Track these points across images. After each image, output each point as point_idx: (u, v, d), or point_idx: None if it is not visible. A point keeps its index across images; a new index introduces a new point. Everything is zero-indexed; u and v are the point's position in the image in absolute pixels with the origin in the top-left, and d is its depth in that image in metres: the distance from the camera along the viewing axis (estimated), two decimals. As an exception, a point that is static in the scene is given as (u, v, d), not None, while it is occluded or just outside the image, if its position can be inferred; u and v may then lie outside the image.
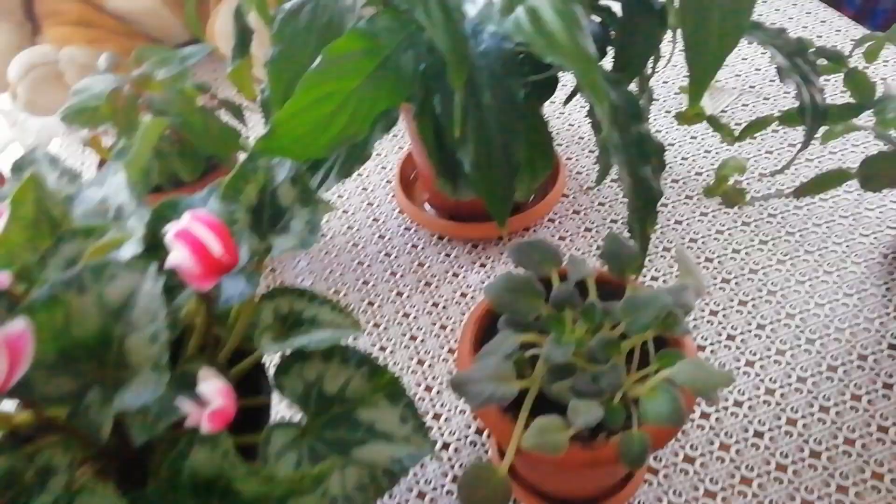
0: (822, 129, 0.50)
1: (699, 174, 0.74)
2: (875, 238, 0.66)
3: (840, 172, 0.44)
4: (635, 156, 0.43)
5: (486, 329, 0.48)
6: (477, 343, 0.46)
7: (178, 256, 0.32)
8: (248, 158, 0.40)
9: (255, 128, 0.84)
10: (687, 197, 0.72)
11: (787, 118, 0.55)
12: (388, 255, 0.72)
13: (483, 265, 0.69)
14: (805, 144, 0.49)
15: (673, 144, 0.78)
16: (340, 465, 0.37)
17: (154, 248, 0.37)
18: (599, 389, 0.40)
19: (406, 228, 0.74)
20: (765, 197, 0.49)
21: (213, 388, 0.33)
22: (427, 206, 0.75)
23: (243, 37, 0.65)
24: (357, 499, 0.36)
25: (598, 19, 0.55)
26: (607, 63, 0.52)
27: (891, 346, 0.57)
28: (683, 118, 0.53)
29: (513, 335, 0.42)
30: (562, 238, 0.70)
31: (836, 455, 0.51)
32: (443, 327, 0.64)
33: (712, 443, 0.53)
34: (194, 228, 0.32)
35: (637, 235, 0.44)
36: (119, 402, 0.31)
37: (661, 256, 0.66)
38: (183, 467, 0.32)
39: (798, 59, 0.46)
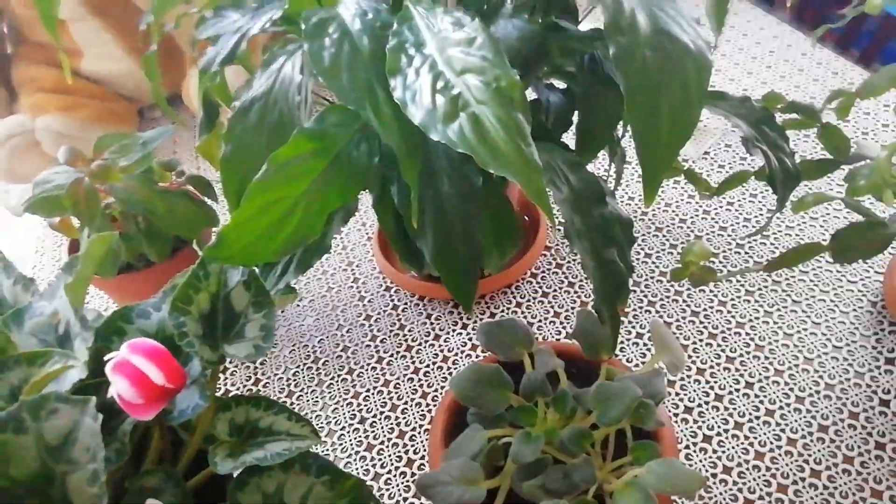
0: (795, 197, 0.49)
1: (674, 246, 0.72)
2: (863, 285, 0.64)
3: (813, 246, 0.42)
4: (599, 240, 0.42)
5: (456, 417, 0.46)
6: (447, 434, 0.45)
7: (119, 388, 0.31)
8: (198, 266, 0.39)
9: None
10: (661, 274, 0.69)
11: (764, 174, 0.54)
12: (368, 317, 0.71)
13: (465, 325, 0.68)
14: (778, 208, 0.47)
15: (647, 213, 0.76)
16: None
17: (99, 371, 0.36)
18: (572, 485, 0.39)
19: (386, 289, 0.73)
20: (738, 272, 0.48)
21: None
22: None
23: (210, 111, 0.65)
24: None
25: (562, 85, 0.54)
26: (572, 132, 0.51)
27: (882, 402, 0.56)
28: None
29: (480, 431, 0.41)
30: (545, 294, 0.69)
31: (829, 525, 0.50)
32: (424, 395, 0.63)
33: (700, 515, 0.51)
34: (133, 360, 0.32)
35: (606, 319, 0.43)
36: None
37: (636, 339, 0.65)
38: None
39: (764, 126, 0.45)
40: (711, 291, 0.65)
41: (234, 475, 0.37)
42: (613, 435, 0.42)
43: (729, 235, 0.70)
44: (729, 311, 0.64)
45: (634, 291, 0.67)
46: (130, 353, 0.31)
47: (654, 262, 0.70)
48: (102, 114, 0.94)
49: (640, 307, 0.66)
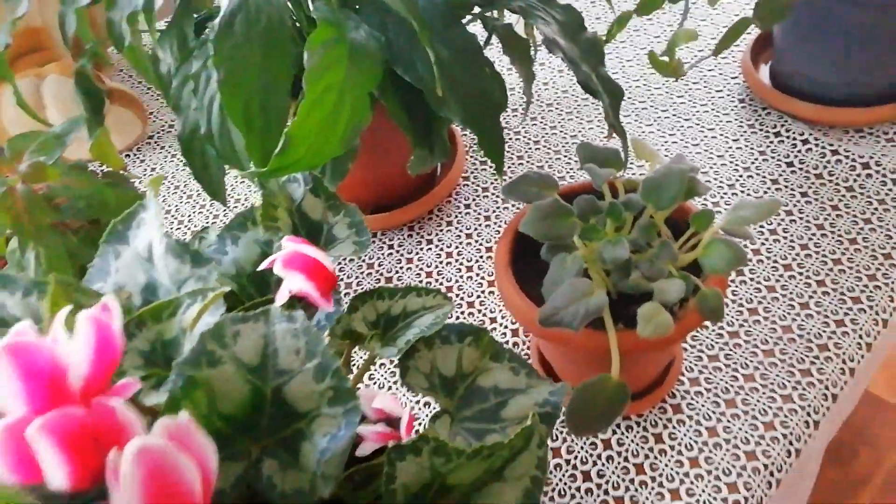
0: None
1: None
2: (728, 90, 0.76)
3: (743, 21, 0.50)
4: (594, 60, 0.46)
5: (514, 267, 0.48)
6: (519, 282, 0.47)
7: (297, 282, 0.29)
8: (262, 184, 0.37)
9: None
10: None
11: (645, 7, 0.62)
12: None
13: (429, 241, 0.69)
14: (686, 6, 0.55)
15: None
16: (501, 429, 0.36)
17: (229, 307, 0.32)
18: (660, 268, 0.43)
19: (334, 240, 0.71)
20: (693, 64, 0.56)
21: (390, 400, 0.30)
22: (343, 212, 0.72)
23: (94, 102, 0.59)
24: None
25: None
26: None
27: (788, 165, 0.68)
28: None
29: (569, 256, 0.43)
30: (467, 206, 0.72)
31: (802, 260, 0.60)
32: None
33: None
34: (303, 250, 0.29)
35: (617, 128, 0.47)
36: (314, 453, 0.28)
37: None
38: (396, 490, 0.29)
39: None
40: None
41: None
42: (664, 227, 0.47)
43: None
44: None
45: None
46: (298, 245, 0.29)
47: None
48: None
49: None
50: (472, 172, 0.74)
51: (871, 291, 0.57)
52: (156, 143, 0.87)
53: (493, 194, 0.72)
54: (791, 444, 0.50)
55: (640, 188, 0.45)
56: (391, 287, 0.38)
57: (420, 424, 0.54)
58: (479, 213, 0.70)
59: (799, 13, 0.66)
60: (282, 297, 0.29)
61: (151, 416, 0.27)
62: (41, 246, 0.47)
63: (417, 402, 0.56)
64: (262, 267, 0.31)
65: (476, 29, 0.62)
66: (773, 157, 0.69)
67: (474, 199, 0.72)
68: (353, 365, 0.49)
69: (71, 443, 0.22)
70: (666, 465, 0.50)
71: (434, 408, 0.55)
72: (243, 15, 0.41)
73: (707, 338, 0.57)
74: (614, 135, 0.51)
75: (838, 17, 0.61)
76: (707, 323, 0.57)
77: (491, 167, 0.74)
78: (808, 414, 0.52)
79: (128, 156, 0.86)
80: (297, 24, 0.47)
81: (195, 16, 0.51)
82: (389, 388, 0.57)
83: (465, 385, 0.38)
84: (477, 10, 0.49)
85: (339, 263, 0.69)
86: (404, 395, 0.56)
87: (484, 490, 0.31)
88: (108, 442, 0.22)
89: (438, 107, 0.43)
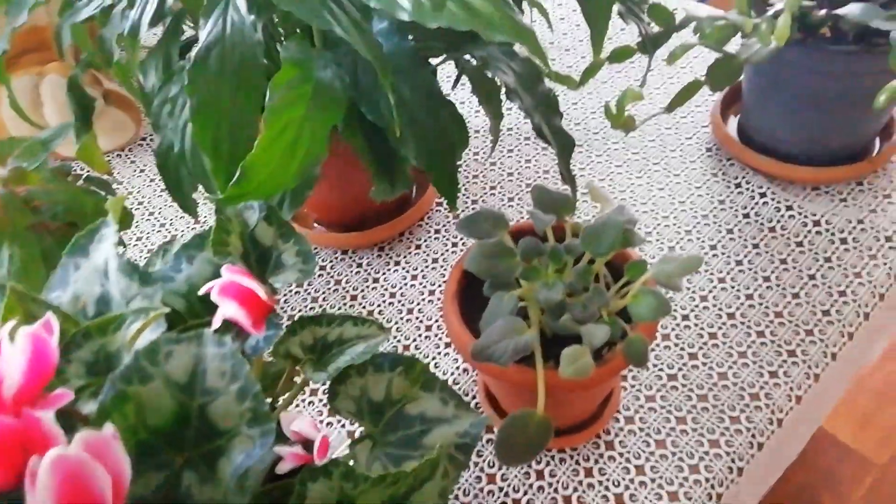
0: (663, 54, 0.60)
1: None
2: (697, 138, 0.79)
3: (694, 83, 0.53)
4: (547, 111, 0.49)
5: (463, 300, 0.51)
6: (465, 314, 0.49)
7: (230, 310, 0.32)
8: (218, 210, 0.40)
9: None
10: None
11: (616, 55, 0.65)
12: (299, 287, 0.72)
13: (397, 263, 0.72)
14: (648, 64, 0.58)
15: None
16: (420, 456, 0.38)
17: (174, 322, 0.35)
18: (591, 312, 0.46)
19: (306, 254, 0.74)
20: (646, 119, 0.59)
21: (307, 423, 0.33)
22: (317, 227, 0.75)
23: (84, 110, 0.62)
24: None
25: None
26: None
27: (744, 216, 0.70)
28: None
29: (506, 294, 0.46)
30: (437, 231, 0.74)
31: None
32: (395, 322, 0.66)
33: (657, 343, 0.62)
34: (237, 279, 0.32)
35: (567, 177, 0.50)
36: (230, 468, 0.30)
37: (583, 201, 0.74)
38: (305, 508, 0.32)
39: (630, 2, 0.55)
40: (606, 156, 0.76)
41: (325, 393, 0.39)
42: (602, 274, 0.50)
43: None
44: (622, 161, 0.75)
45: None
46: (234, 274, 0.32)
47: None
48: None
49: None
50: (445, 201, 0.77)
51: (806, 346, 0.60)
52: (147, 145, 0.90)
53: (448, 230, 0.74)
54: (713, 487, 0.53)
55: (581, 236, 0.48)
56: (330, 314, 0.40)
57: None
58: (448, 240, 0.73)
59: (756, 73, 0.69)
60: (217, 321, 0.32)
61: (86, 424, 0.30)
62: (16, 247, 0.50)
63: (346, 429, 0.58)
64: (201, 292, 0.33)
65: (448, 69, 0.64)
66: (731, 208, 0.72)
67: (444, 226, 0.74)
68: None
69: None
70: (593, 500, 0.53)
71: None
72: (218, 49, 0.44)
73: (647, 379, 0.59)
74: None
75: (790, 80, 0.64)
76: (649, 364, 0.60)
77: (447, 212, 0.77)
78: (733, 460, 0.54)
79: (119, 156, 0.89)
80: (270, 61, 0.50)
81: (181, 39, 0.54)
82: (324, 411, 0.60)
83: (392, 411, 0.40)
84: (443, 56, 0.52)
85: (307, 280, 0.72)
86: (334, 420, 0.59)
87: (390, 513, 0.34)
88: (34, 449, 0.25)
89: (398, 145, 0.46)
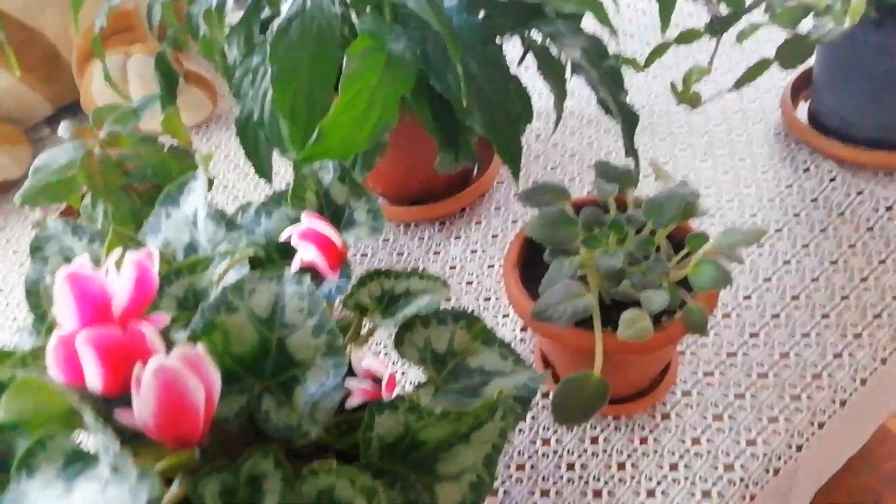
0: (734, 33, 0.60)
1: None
2: (764, 123, 0.78)
3: (764, 61, 0.53)
4: (613, 86, 0.50)
5: (523, 269, 0.52)
6: (524, 283, 0.51)
7: (309, 253, 0.34)
8: (296, 168, 0.42)
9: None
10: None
11: (683, 37, 0.65)
12: (364, 255, 0.74)
13: (458, 237, 0.73)
14: (717, 44, 0.58)
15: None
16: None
17: (255, 268, 0.38)
18: (653, 281, 0.47)
19: (371, 228, 0.77)
20: (713, 97, 0.59)
21: (376, 361, 0.35)
22: (381, 200, 0.78)
23: (170, 83, 0.65)
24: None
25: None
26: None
27: (812, 200, 0.69)
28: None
29: (567, 260, 0.48)
30: (497, 209, 0.76)
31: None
32: (447, 300, 0.68)
33: (715, 317, 0.62)
34: (316, 225, 0.35)
35: (630, 150, 0.51)
36: (304, 396, 0.33)
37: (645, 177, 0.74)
38: (372, 439, 0.34)
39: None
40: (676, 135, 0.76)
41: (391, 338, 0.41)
42: (663, 246, 0.50)
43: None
44: (686, 145, 0.75)
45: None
46: (313, 220, 0.34)
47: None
48: (-2, 138, 0.89)
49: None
50: (506, 178, 0.79)
51: (873, 329, 0.59)
52: (223, 123, 0.95)
53: (508, 207, 0.76)
54: (771, 462, 0.53)
55: (643, 207, 0.49)
56: (398, 270, 0.43)
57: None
58: (508, 217, 0.74)
59: (829, 55, 0.68)
60: (295, 264, 0.35)
61: (177, 349, 0.33)
62: (110, 203, 0.54)
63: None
64: (282, 238, 0.36)
65: (513, 52, 0.65)
66: (798, 192, 0.71)
67: (505, 203, 0.76)
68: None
69: (107, 355, 0.27)
70: (647, 466, 0.54)
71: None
72: (299, 21, 0.46)
73: (706, 355, 0.59)
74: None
75: (864, 62, 0.62)
76: (707, 342, 0.60)
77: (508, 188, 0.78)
78: (793, 436, 0.54)
79: (196, 133, 0.93)
80: (347, 33, 0.52)
81: (262, 15, 0.57)
82: (388, 365, 0.62)
83: (454, 362, 0.42)
84: (510, 31, 0.53)
85: (372, 249, 0.74)
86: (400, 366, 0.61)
87: (451, 450, 0.35)
88: (137, 359, 0.28)
89: (463, 115, 0.48)
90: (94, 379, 0.27)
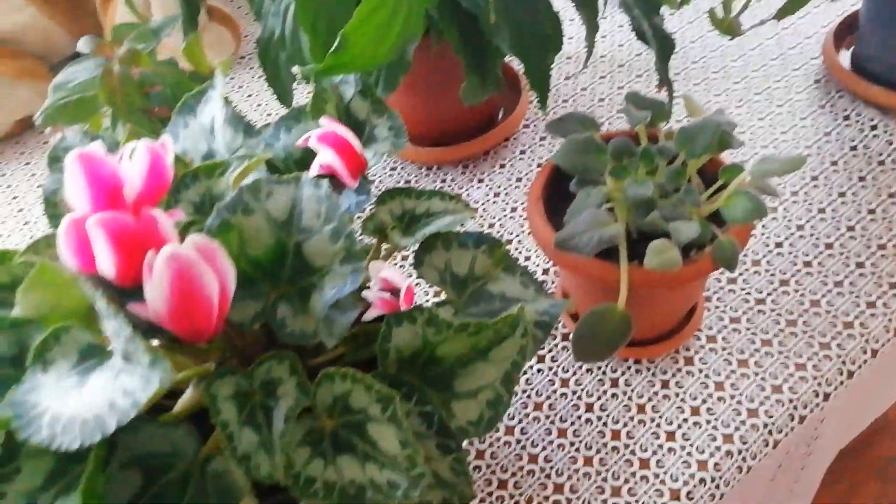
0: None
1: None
2: (804, 69, 0.75)
3: (809, -11, 0.51)
4: (646, 7, 0.47)
5: (547, 203, 0.51)
6: (549, 215, 0.49)
7: (328, 157, 0.33)
8: (316, 79, 0.41)
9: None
10: (636, 76, 0.78)
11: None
12: (385, 196, 0.73)
13: (481, 180, 0.72)
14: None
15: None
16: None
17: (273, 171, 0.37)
18: (683, 213, 0.45)
19: (392, 168, 0.76)
20: (756, 25, 0.57)
21: (395, 272, 0.34)
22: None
23: (191, 9, 0.64)
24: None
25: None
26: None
27: (851, 148, 0.67)
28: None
29: (594, 189, 0.46)
30: (522, 152, 0.74)
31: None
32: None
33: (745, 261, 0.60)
34: (336, 129, 0.33)
35: (664, 79, 0.49)
36: (320, 302, 0.32)
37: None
38: (389, 350, 0.33)
39: None
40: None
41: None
42: (694, 179, 0.49)
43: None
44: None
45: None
46: (332, 124, 0.33)
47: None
48: (16, 72, 0.88)
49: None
50: (532, 122, 0.77)
51: None
52: (246, 63, 0.93)
53: (549, 143, 0.74)
54: (797, 409, 0.51)
55: (675, 136, 0.47)
56: (419, 189, 0.41)
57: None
58: (533, 160, 0.73)
59: (882, -6, 0.64)
60: (314, 169, 0.33)
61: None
62: (130, 122, 0.53)
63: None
64: (299, 142, 0.35)
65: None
66: (837, 140, 0.68)
67: (530, 147, 0.74)
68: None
69: (120, 240, 0.26)
70: (667, 410, 0.52)
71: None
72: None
73: (732, 301, 0.58)
74: (664, 90, 0.52)
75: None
76: (734, 288, 0.58)
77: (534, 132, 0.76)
78: (820, 384, 0.52)
79: (220, 72, 0.92)
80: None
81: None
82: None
83: (474, 287, 0.41)
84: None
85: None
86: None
87: (469, 366, 0.35)
88: (150, 247, 0.27)
89: (491, 34, 0.46)
90: (106, 264, 0.26)
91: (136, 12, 0.68)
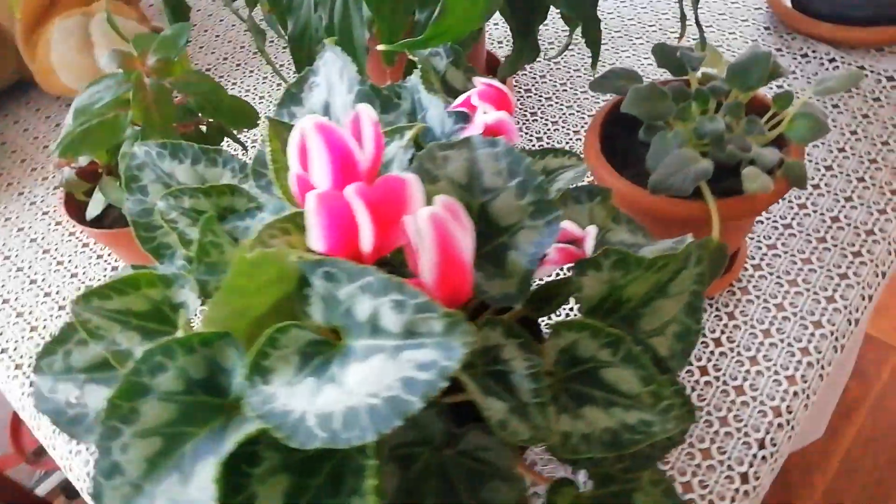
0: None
1: None
2: (752, 18, 0.81)
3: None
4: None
5: (604, 142, 0.52)
6: (606, 156, 0.51)
7: (494, 114, 0.32)
8: (420, 49, 0.40)
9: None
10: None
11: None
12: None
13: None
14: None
15: None
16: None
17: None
18: (746, 144, 0.48)
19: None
20: None
21: (570, 224, 0.34)
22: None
23: (179, 16, 0.60)
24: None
25: None
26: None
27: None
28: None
29: (670, 132, 0.48)
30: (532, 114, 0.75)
31: (842, 160, 0.65)
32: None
33: (764, 193, 0.64)
34: (494, 84, 0.33)
35: (696, 23, 0.51)
36: (521, 261, 0.31)
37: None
38: (582, 301, 0.33)
39: None
40: None
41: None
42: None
43: None
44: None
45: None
46: (485, 81, 0.32)
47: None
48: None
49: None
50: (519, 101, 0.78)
51: (906, 186, 0.63)
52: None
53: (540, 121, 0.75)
54: (851, 314, 0.56)
55: (726, 73, 0.50)
56: (531, 149, 0.41)
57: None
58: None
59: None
60: (476, 127, 0.33)
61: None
62: (165, 138, 0.49)
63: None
64: (456, 104, 0.34)
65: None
66: (802, 76, 0.74)
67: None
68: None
69: (372, 210, 0.25)
70: (742, 338, 0.55)
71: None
72: None
73: (763, 231, 0.61)
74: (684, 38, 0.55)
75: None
76: (763, 216, 0.62)
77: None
78: (864, 288, 0.57)
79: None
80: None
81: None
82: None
83: (599, 238, 0.41)
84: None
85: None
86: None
87: (650, 305, 0.35)
88: (398, 214, 0.25)
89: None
90: (367, 236, 0.24)
91: (120, 34, 0.63)
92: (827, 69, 0.74)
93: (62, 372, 0.36)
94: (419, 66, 0.38)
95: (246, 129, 0.58)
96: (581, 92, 0.76)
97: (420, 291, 0.23)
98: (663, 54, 0.54)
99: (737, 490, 0.48)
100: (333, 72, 0.36)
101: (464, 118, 0.35)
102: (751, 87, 0.49)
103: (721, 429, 0.51)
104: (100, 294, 0.32)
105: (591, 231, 0.34)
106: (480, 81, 0.33)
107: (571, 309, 0.58)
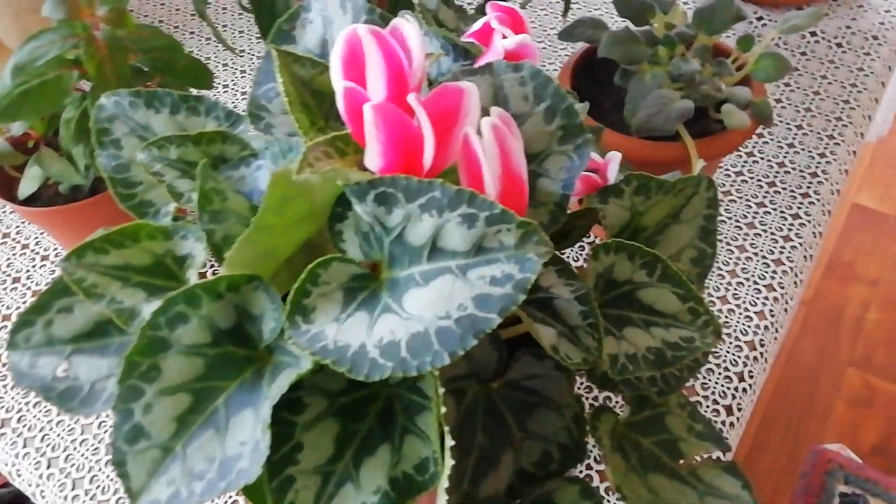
0: None
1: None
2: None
3: None
4: None
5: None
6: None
7: (514, 39, 0.31)
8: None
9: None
10: None
11: None
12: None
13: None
14: None
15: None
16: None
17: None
18: (721, 83, 0.49)
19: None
20: None
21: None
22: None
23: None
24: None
25: None
26: None
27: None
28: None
29: (647, 74, 0.48)
30: None
31: (781, 110, 0.69)
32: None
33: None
34: (509, 6, 0.32)
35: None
36: (553, 187, 0.30)
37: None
38: (608, 228, 0.33)
39: None
40: None
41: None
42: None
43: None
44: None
45: None
46: (500, 5, 0.31)
47: None
48: None
49: None
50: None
51: (841, 129, 0.67)
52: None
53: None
54: (832, 193, 0.60)
55: (692, 18, 0.51)
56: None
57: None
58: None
59: None
60: (494, 53, 0.31)
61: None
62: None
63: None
64: (473, 30, 0.32)
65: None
66: (735, 34, 0.77)
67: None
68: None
69: (436, 119, 0.23)
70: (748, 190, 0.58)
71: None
72: None
73: (718, 177, 0.64)
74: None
75: None
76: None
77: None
78: (833, 184, 0.61)
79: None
80: None
81: None
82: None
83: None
84: None
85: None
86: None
87: (665, 232, 0.35)
88: (448, 127, 0.24)
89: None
90: (430, 149, 0.23)
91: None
92: (756, 27, 0.78)
93: (43, 344, 0.32)
94: (417, 3, 0.37)
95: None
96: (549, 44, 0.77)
97: (494, 202, 0.22)
98: (626, 2, 0.54)
99: (735, 389, 0.50)
100: (332, 4, 0.34)
101: (464, 54, 0.34)
102: (715, 31, 0.50)
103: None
104: (95, 248, 0.29)
105: (615, 156, 0.33)
106: (495, 6, 0.32)
107: (582, 247, 0.58)
